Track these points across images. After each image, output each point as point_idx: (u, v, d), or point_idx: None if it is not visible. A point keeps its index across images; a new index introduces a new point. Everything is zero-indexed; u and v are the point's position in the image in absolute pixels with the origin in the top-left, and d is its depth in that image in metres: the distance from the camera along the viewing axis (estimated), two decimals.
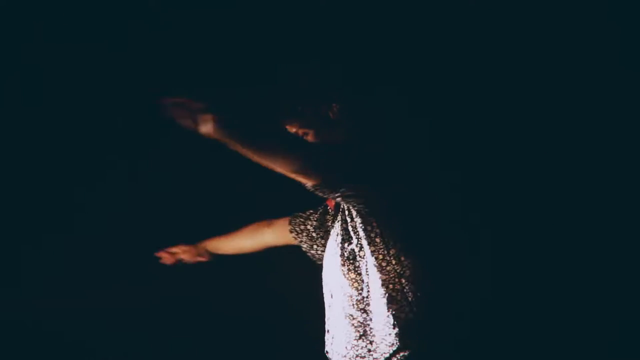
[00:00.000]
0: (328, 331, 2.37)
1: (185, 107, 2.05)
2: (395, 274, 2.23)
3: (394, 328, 2.22)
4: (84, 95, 3.33)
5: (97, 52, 3.28)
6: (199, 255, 2.95)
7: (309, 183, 2.17)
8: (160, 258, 2.96)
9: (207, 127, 2.05)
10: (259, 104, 2.51)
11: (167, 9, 3.29)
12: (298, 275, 2.85)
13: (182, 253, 2.95)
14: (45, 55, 3.28)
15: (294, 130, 2.39)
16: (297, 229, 2.68)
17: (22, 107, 3.34)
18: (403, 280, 2.23)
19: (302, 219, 2.69)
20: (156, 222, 3.36)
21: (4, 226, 3.38)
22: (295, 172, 2.13)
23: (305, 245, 2.67)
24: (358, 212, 2.26)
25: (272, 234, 2.79)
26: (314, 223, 2.65)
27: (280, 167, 2.12)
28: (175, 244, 2.97)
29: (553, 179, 3.15)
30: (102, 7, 3.27)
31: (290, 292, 3.26)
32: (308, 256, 2.68)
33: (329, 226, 2.57)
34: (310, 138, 2.36)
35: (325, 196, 2.22)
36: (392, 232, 2.24)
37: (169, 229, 3.24)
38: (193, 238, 3.02)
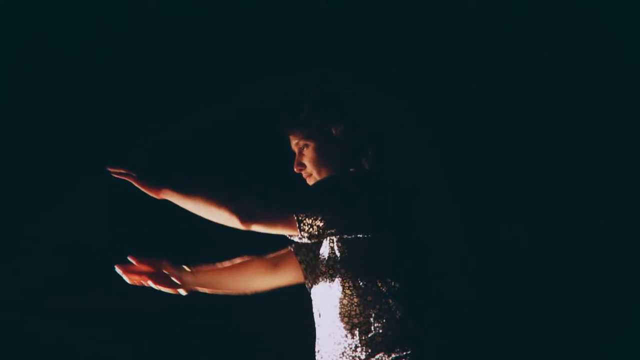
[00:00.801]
0: (318, 351, 2.35)
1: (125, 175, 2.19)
2: (382, 294, 2.20)
3: (380, 345, 2.20)
4: (84, 95, 3.33)
5: (96, 53, 3.29)
6: (179, 281, 2.44)
7: (284, 232, 2.18)
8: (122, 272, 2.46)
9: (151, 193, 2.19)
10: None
11: (170, 13, 3.29)
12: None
13: (158, 273, 2.44)
14: (45, 55, 3.29)
15: (295, 141, 2.37)
16: (306, 258, 2.52)
17: (22, 107, 3.34)
18: (390, 301, 2.20)
19: (305, 247, 2.53)
20: (156, 221, 3.36)
21: (4, 226, 3.38)
22: (243, 221, 2.15)
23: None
24: (339, 238, 2.25)
25: (285, 274, 2.54)
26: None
27: (225, 220, 2.16)
28: (175, 245, 2.96)
29: (548, 188, 3.16)
30: (102, 7, 3.28)
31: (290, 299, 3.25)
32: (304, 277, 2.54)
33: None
34: (309, 151, 2.34)
35: (308, 241, 2.18)
36: (377, 256, 2.20)
37: (169, 228, 3.24)
38: (193, 238, 3.01)
